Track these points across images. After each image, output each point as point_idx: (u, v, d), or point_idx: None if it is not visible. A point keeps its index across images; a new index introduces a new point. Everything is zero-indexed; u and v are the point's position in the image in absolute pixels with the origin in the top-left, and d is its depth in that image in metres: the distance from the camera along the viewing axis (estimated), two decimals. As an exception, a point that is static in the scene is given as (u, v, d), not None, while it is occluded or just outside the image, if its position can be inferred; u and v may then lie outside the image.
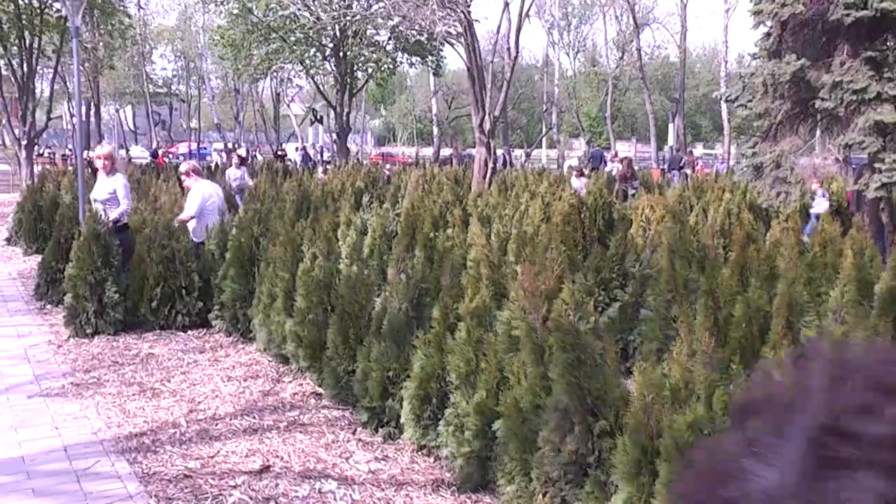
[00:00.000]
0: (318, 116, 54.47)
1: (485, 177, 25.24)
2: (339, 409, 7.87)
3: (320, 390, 8.29)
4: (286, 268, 9.05)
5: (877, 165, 12.13)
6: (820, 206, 15.77)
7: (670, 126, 48.58)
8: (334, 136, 46.05)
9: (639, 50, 53.46)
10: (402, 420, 6.92)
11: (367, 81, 47.24)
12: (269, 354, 9.40)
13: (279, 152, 52.64)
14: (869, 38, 12.67)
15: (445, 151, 64.32)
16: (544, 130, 75.82)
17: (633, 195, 22.55)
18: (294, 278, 8.96)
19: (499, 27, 26.75)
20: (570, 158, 56.74)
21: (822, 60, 12.87)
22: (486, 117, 25.39)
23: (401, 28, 40.89)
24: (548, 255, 9.30)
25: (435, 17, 31.23)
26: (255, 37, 39.60)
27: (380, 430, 7.19)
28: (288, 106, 66.84)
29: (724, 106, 60.61)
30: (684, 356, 4.84)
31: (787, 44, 13.02)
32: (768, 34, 13.63)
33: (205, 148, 62.93)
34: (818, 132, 13.56)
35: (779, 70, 12.58)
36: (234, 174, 20.88)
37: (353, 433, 7.27)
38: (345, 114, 43.44)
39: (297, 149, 55.39)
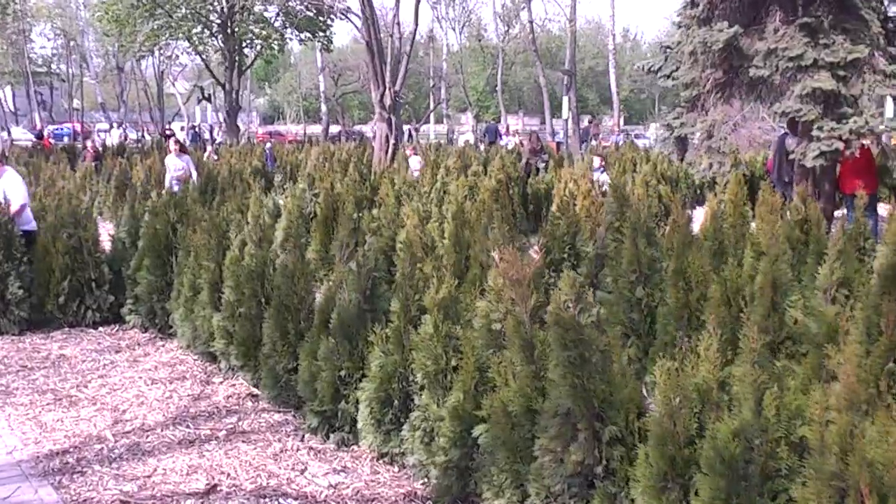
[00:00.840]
0: (207, 95, 52.88)
1: (386, 153, 24.54)
2: (280, 411, 7.13)
3: (257, 391, 7.53)
4: (211, 257, 8.22)
5: (815, 133, 11.78)
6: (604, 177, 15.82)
7: (564, 99, 48.21)
8: (223, 114, 44.78)
9: (531, 22, 52.99)
10: (360, 425, 6.22)
11: (255, 58, 46.04)
12: (193, 352, 8.58)
13: (167, 132, 50.94)
14: (802, 3, 12.31)
15: (334, 129, 63.40)
16: (431, 105, 75.20)
17: (544, 168, 22.07)
18: (220, 268, 8.14)
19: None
20: (464, 133, 56.19)
21: (753, 27, 12.48)
22: (387, 92, 24.69)
23: (291, 3, 39.92)
24: (490, 236, 8.71)
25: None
26: (140, 12, 38.02)
27: (331, 435, 6.47)
28: (173, 84, 64.91)
29: (612, 78, 60.91)
30: (714, 352, 4.24)
31: (716, 10, 12.59)
32: (693, 1, 13.19)
33: (59, 129, 59.47)
34: (750, 101, 13.15)
35: (710, 37, 12.14)
36: (175, 164, 16.83)
37: (302, 440, 6.54)
38: (234, 92, 42.23)
39: (182, 128, 53.74)
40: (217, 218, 8.50)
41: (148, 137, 48.83)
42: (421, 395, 5.86)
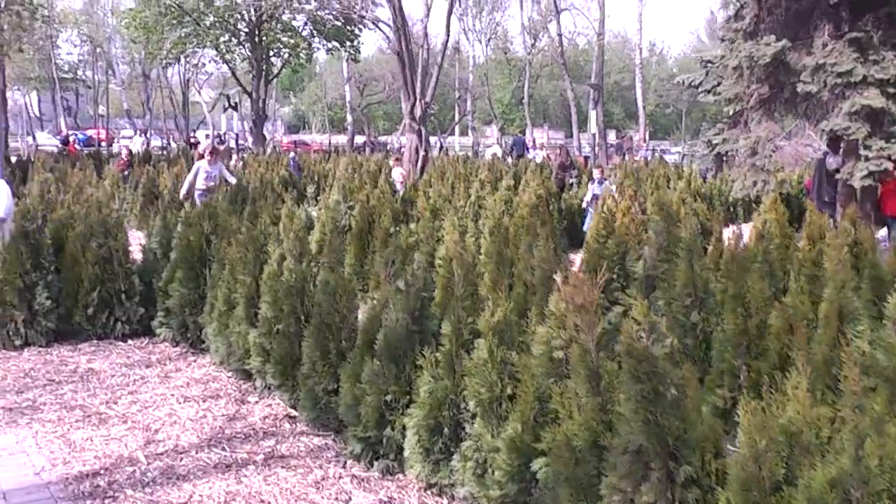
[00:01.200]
0: (233, 103, 52.79)
1: (416, 165, 24.27)
2: (319, 435, 6.84)
3: (294, 412, 7.25)
4: (248, 270, 7.95)
5: (863, 153, 11.45)
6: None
7: (591, 113, 48.11)
8: (250, 123, 44.68)
9: (560, 35, 52.76)
10: (406, 453, 5.92)
11: (282, 67, 45.91)
12: (227, 369, 8.31)
13: (191, 140, 50.90)
14: (851, 17, 11.99)
15: (359, 139, 63.28)
16: (457, 118, 74.94)
17: (576, 183, 21.76)
18: (257, 282, 7.87)
19: (429, 9, 25.74)
20: (491, 146, 55.98)
21: (800, 41, 12.16)
22: (418, 103, 24.43)
23: (319, 13, 39.73)
24: (536, 254, 8.43)
25: (359, 0, 30.18)
26: (168, 20, 37.94)
27: (375, 463, 6.18)
28: (199, 92, 64.86)
29: (639, 93, 60.57)
30: (804, 392, 3.94)
31: (762, 24, 12.27)
32: (739, 14, 12.89)
33: (74, 134, 58.66)
34: (796, 118, 12.84)
35: (757, 51, 11.83)
36: (206, 170, 15.95)
37: (344, 467, 6.24)
38: (261, 101, 42.12)
39: (207, 136, 53.65)
40: (254, 231, 8.22)
41: (173, 145, 48.70)
42: (473, 423, 5.57)
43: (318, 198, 18.50)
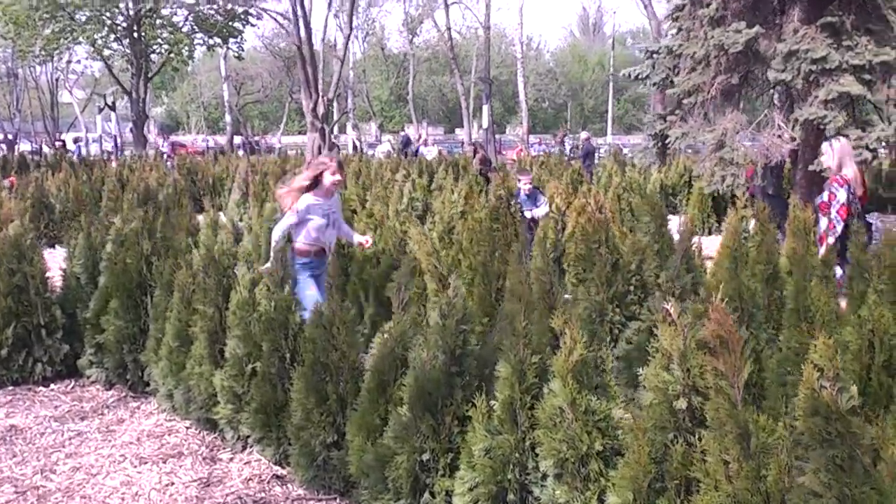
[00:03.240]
0: (111, 103, 50.27)
1: (319, 166, 22.90)
2: (321, 500, 5.61)
3: (281, 471, 6.00)
4: (209, 299, 6.63)
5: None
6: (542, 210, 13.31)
7: (484, 108, 47.37)
8: (130, 124, 42.52)
9: (448, 28, 51.85)
10: (456, 530, 4.76)
11: (163, 65, 43.77)
12: (183, 417, 6.97)
13: (56, 142, 47.87)
14: (821, 2, 11.25)
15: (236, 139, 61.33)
16: (335, 116, 73.66)
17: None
18: (222, 313, 6.57)
19: (329, 2, 24.46)
20: (383, 144, 54.57)
21: (771, 28, 11.37)
22: (320, 100, 23.16)
23: (200, 8, 37.88)
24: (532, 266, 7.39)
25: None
26: (41, 14, 35.49)
27: (411, 538, 5.01)
28: (70, 92, 61.81)
29: (521, 87, 60.11)
30: None
31: (729, 10, 11.43)
32: (700, 1, 12.03)
33: None
34: (764, 108, 12.07)
35: (727, 39, 10.97)
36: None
37: (368, 543, 5.04)
38: (141, 100, 40.08)
39: (76, 140, 50.76)
40: (216, 250, 6.89)
41: (47, 149, 45.82)
42: (545, 487, 4.45)
43: (247, 205, 16.98)
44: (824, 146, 8.78)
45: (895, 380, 5.22)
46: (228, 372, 6.34)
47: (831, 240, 8.18)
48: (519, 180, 12.43)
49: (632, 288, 7.29)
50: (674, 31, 13.81)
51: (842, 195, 8.31)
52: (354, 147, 47.40)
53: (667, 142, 13.65)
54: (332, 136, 54.61)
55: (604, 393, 4.54)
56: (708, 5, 11.36)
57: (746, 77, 11.92)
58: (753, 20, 11.11)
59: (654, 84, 13.64)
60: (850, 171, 8.44)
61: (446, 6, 51.71)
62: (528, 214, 11.50)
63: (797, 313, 5.94)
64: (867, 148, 10.50)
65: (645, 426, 4.00)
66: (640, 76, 13.96)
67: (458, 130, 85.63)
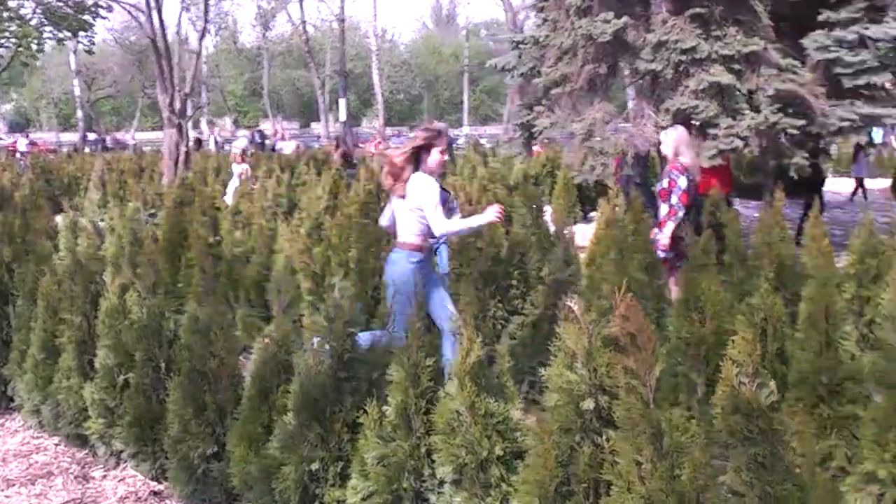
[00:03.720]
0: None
1: (176, 163, 22.24)
2: (202, 515, 5.31)
3: (159, 487, 5.67)
4: (76, 307, 6.23)
5: (711, 131, 10.83)
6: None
7: (341, 101, 46.99)
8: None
9: (303, 21, 51.25)
10: (349, 542, 4.54)
11: (12, 59, 41.85)
12: (52, 433, 6.54)
13: None
14: (688, -8, 11.39)
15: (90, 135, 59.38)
16: (189, 111, 72.04)
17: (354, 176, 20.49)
18: (90, 322, 6.18)
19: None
20: (238, 139, 53.47)
21: (639, 18, 11.43)
22: (176, 95, 22.40)
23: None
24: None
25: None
26: None
27: (301, 552, 4.76)
28: None
29: (376, 79, 59.82)
30: None
31: (597, 0, 11.45)
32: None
33: None
34: (632, 98, 12.14)
35: (595, 29, 10.98)
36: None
37: (256, 560, 4.78)
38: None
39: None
40: (83, 254, 6.47)
41: None
42: (442, 494, 4.28)
43: (108, 206, 16.30)
44: (662, 134, 8.84)
45: (788, 367, 5.22)
46: (99, 384, 5.96)
47: (672, 225, 8.26)
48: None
49: (514, 282, 7.17)
50: (539, 21, 13.81)
51: (682, 182, 8.38)
52: (216, 143, 46.28)
53: (533, 132, 13.64)
54: (198, 132, 53.36)
55: (501, 394, 4.39)
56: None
57: (615, 67, 11.98)
58: (621, 10, 11.14)
59: (521, 74, 13.59)
60: (688, 158, 8.52)
61: (301, -1, 51.10)
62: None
63: (686, 303, 5.89)
64: (738, 136, 10.63)
65: (550, 428, 3.86)
66: (505, 67, 13.90)
67: (313, 124, 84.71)
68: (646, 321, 3.60)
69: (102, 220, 15.14)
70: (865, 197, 22.27)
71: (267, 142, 44.38)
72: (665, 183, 8.52)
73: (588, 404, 3.79)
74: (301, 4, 51.81)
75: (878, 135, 34.90)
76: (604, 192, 18.98)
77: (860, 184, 22.37)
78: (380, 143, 45.87)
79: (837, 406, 5.05)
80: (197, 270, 9.13)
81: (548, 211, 18.80)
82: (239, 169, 17.35)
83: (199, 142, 43.30)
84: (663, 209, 8.50)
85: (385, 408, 4.47)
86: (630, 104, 12.32)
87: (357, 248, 8.13)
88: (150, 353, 5.70)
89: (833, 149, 22.60)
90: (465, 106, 72.36)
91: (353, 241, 9.36)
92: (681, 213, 8.34)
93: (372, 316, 7.64)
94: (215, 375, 5.38)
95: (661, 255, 8.21)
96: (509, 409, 4.30)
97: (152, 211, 10.28)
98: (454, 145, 30.95)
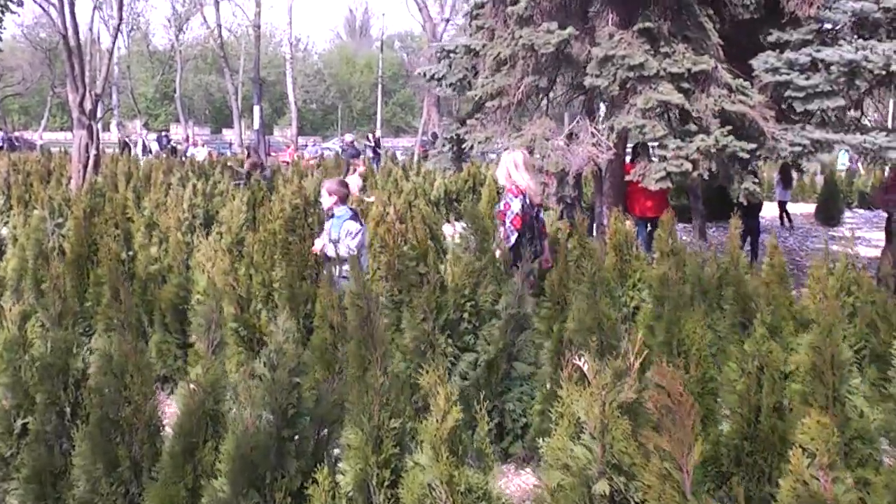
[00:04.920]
0: None
1: (86, 166, 21.10)
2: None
3: (58, 554, 4.83)
4: (-35, 340, 5.36)
5: (660, 152, 10.30)
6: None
7: (255, 108, 45.80)
8: None
9: (219, 25, 49.98)
10: None
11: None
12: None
13: None
14: (636, 6, 10.83)
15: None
16: (100, 113, 70.06)
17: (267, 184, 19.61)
18: (-18, 357, 5.32)
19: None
20: (150, 142, 51.89)
21: (583, 31, 10.86)
22: (88, 95, 21.29)
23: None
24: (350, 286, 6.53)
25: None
26: None
27: None
28: None
29: (290, 88, 58.72)
30: None
31: (537, 9, 10.84)
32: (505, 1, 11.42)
33: None
34: (573, 115, 11.55)
35: (538, 39, 10.35)
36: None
37: None
38: None
39: None
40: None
41: None
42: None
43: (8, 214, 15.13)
44: (506, 157, 8.73)
45: (787, 423, 4.61)
46: (-11, 430, 5.11)
47: (506, 247, 8.21)
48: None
49: (465, 315, 6.46)
50: (472, 30, 13.19)
51: (516, 205, 8.32)
52: (144, 147, 44.87)
53: (463, 146, 13.00)
54: (124, 135, 51.54)
55: (478, 462, 3.70)
56: (516, 3, 10.71)
57: (554, 81, 11.39)
58: (565, 21, 10.55)
59: (450, 85, 12.93)
60: (523, 181, 8.42)
61: (216, 2, 49.82)
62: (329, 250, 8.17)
63: (668, 346, 5.27)
64: (687, 159, 10.11)
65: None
66: (434, 76, 13.20)
67: (225, 131, 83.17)
68: (686, 392, 2.93)
69: (6, 224, 14.10)
70: (790, 221, 22.11)
71: (179, 147, 43.12)
72: (501, 205, 8.49)
73: (601, 487, 3.12)
74: (217, 8, 50.45)
75: (844, 158, 35.17)
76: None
77: (783, 208, 22.19)
78: (293, 151, 44.96)
79: (846, 469, 4.47)
80: (108, 290, 8.30)
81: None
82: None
83: (125, 145, 41.87)
84: (501, 231, 8.42)
85: (339, 477, 3.74)
86: (566, 120, 11.73)
87: (289, 271, 7.35)
88: (54, 396, 4.87)
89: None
90: (379, 117, 71.59)
91: (280, 262, 8.63)
92: (513, 237, 8.29)
93: (304, 347, 6.90)
94: (130, 425, 4.59)
95: None
96: (488, 481, 3.61)
97: (59, 220, 9.31)
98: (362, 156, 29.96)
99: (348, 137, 30.37)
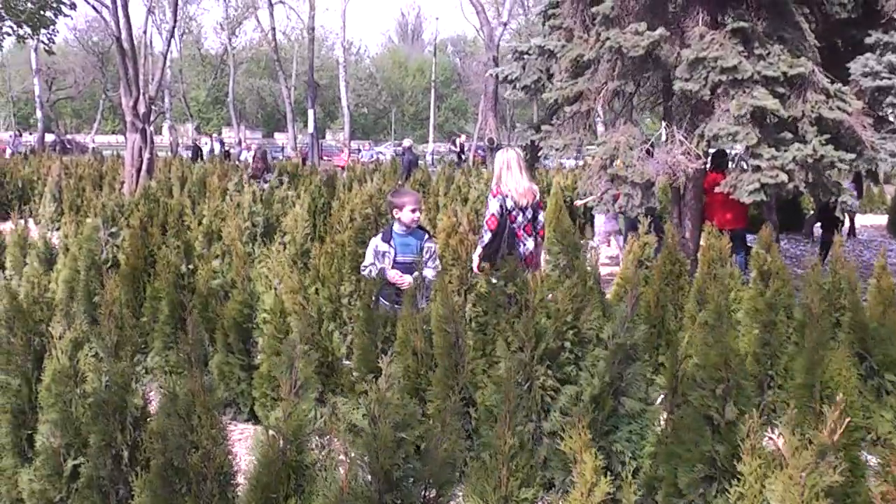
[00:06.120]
0: None
1: (138, 170, 20.74)
2: None
3: None
4: (13, 366, 4.77)
5: (754, 162, 9.56)
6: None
7: (310, 112, 45.59)
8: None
9: (273, 28, 49.78)
10: None
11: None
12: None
13: None
14: (729, 5, 10.11)
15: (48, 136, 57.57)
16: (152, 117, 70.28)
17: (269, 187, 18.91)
18: (31, 387, 4.74)
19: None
20: (205, 145, 51.89)
21: (673, 32, 10.15)
22: (141, 98, 20.95)
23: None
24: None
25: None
26: None
27: None
28: None
29: (343, 92, 58.49)
30: None
31: (627, 9, 10.16)
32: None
33: None
34: (659, 120, 10.84)
35: (626, 41, 9.66)
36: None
37: None
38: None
39: None
40: (23, 296, 5.01)
41: None
42: None
43: (60, 219, 14.66)
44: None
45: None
46: (41, 470, 4.51)
47: (479, 248, 8.43)
48: (397, 206, 7.65)
49: (567, 344, 5.79)
50: (546, 31, 12.54)
51: (493, 205, 8.44)
52: (211, 150, 44.83)
53: (539, 154, 12.36)
54: (196, 139, 51.37)
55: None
56: (600, 2, 10.02)
57: (639, 85, 10.70)
58: (654, 21, 9.85)
59: (524, 87, 12.27)
60: (512, 181, 8.46)
61: (270, 6, 49.57)
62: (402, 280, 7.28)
63: (809, 390, 4.57)
64: (783, 170, 9.36)
65: None
66: (508, 78, 12.53)
67: (277, 135, 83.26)
68: None
69: (58, 230, 13.64)
70: (854, 233, 21.22)
71: (232, 151, 42.90)
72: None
73: None
74: (271, 12, 50.23)
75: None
76: (591, 218, 17.88)
77: (851, 219, 21.27)
78: (349, 154, 44.61)
79: None
80: (165, 306, 7.73)
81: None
82: None
83: (197, 150, 41.69)
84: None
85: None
86: (646, 127, 11.01)
87: (367, 290, 6.72)
88: (110, 437, 4.26)
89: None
90: (432, 122, 71.16)
91: (349, 276, 8.05)
92: (486, 237, 8.41)
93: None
94: (198, 473, 3.97)
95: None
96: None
97: (114, 229, 8.76)
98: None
99: (406, 142, 29.64)
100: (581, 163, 19.61)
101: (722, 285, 7.27)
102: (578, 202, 17.41)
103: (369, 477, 3.32)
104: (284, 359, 3.88)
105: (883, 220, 23.55)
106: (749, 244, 11.73)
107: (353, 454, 3.36)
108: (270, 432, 3.81)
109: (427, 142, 71.78)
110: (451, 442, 3.41)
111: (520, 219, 8.51)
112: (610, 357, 5.53)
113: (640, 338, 5.57)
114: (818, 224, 16.25)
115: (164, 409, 4.07)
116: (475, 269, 8.33)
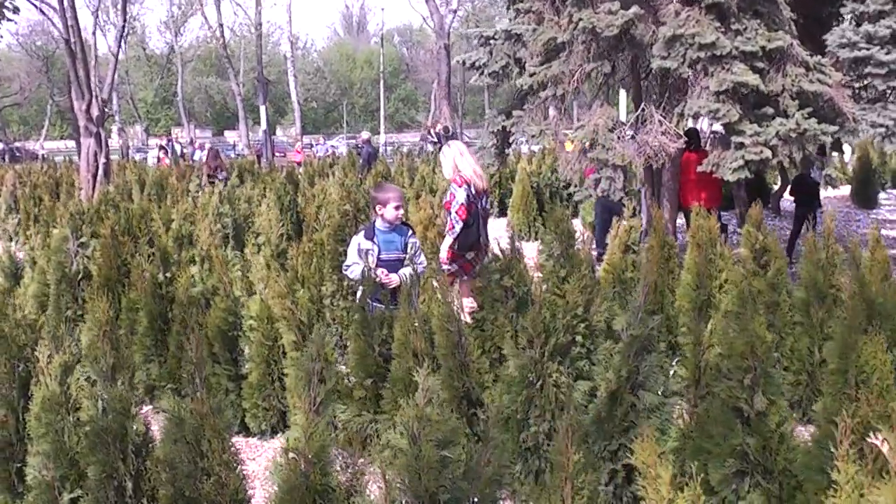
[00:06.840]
0: None
1: (94, 176, 20.19)
2: None
3: None
4: (0, 395, 4.43)
5: (737, 139, 9.37)
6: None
7: (261, 108, 45.00)
8: None
9: (221, 25, 49.08)
10: None
11: None
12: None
13: None
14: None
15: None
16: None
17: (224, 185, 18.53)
18: (20, 416, 4.40)
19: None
20: (152, 149, 51.09)
21: (646, 10, 9.91)
22: (94, 101, 20.40)
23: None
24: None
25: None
26: None
27: None
28: None
29: (292, 86, 57.89)
30: None
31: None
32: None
33: None
34: (639, 101, 10.59)
35: (600, 22, 9.42)
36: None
37: None
38: None
39: None
40: (15, 321, 4.65)
41: None
42: None
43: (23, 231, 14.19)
44: (448, 152, 8.70)
45: None
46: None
47: (450, 239, 8.31)
48: (380, 203, 7.39)
49: (578, 338, 5.53)
50: (511, 14, 12.28)
51: (461, 195, 8.30)
52: (175, 151, 44.10)
53: (511, 140, 12.11)
54: (166, 140, 50.53)
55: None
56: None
57: (615, 66, 10.47)
58: (627, 0, 9.61)
59: (492, 73, 11.97)
60: (469, 169, 8.44)
61: (217, 3, 48.93)
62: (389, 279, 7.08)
63: (843, 375, 4.35)
64: (766, 145, 9.18)
65: None
66: (476, 64, 12.24)
67: (227, 132, 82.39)
68: None
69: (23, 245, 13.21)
70: (820, 205, 21.19)
71: (185, 151, 42.21)
72: (448, 195, 8.44)
73: None
74: (218, 8, 49.56)
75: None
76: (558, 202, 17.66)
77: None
78: (302, 150, 44.06)
79: None
80: (143, 317, 7.39)
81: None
82: None
83: (164, 150, 40.98)
84: (447, 223, 8.43)
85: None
86: (622, 107, 10.78)
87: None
88: (111, 468, 3.94)
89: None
90: (382, 113, 70.69)
91: (330, 276, 7.77)
92: (458, 227, 8.26)
93: (378, 376, 6.02)
94: (211, 503, 3.67)
95: (445, 269, 8.23)
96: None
97: (83, 240, 8.35)
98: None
99: (365, 134, 29.12)
100: (545, 147, 19.25)
101: (737, 272, 7.06)
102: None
103: (412, 500, 3.04)
104: (302, 374, 3.59)
105: (846, 190, 23.53)
106: (723, 222, 11.58)
107: (389, 475, 3.08)
108: (290, 455, 3.52)
109: (378, 133, 71.41)
110: (497, 457, 3.15)
111: (479, 205, 8.50)
112: (625, 349, 5.27)
113: (654, 328, 5.32)
114: (787, 199, 16.11)
115: (169, 434, 3.77)
116: (444, 261, 8.33)
